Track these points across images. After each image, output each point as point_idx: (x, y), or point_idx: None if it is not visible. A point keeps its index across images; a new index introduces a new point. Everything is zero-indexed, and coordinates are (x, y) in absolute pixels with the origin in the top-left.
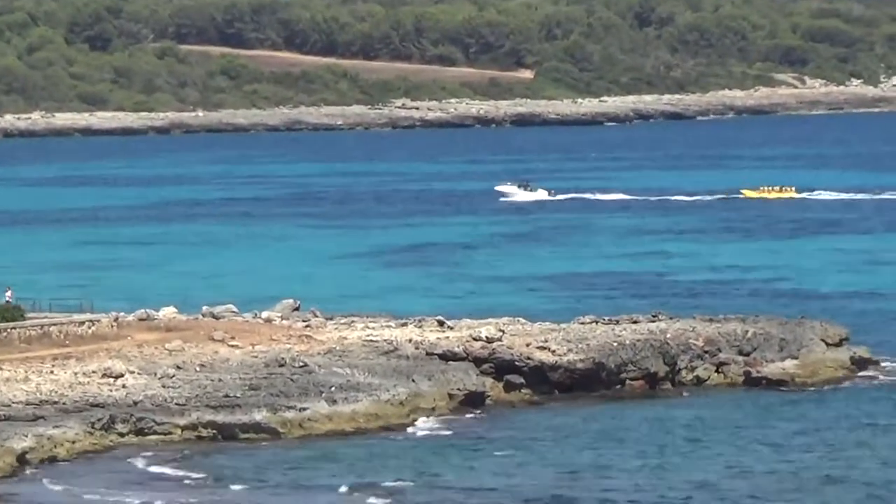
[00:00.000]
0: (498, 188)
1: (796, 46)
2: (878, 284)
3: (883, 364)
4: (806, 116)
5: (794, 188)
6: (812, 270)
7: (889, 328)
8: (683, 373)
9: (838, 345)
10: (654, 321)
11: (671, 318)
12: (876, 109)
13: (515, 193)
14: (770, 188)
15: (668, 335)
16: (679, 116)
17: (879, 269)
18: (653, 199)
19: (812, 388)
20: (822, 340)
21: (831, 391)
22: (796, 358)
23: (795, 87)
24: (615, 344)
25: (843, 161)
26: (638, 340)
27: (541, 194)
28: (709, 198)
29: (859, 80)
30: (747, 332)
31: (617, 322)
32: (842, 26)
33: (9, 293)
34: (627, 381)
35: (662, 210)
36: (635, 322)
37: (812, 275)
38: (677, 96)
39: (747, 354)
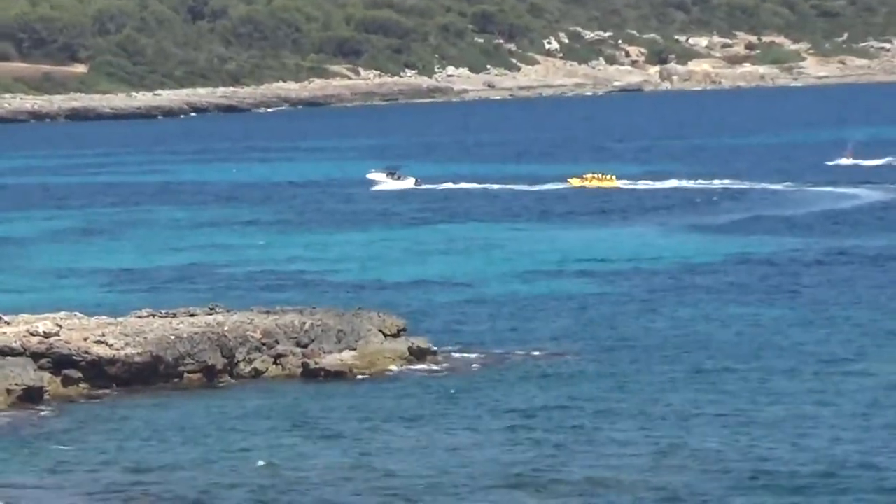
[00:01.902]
0: (369, 176)
1: (350, 38)
2: (435, 274)
3: (441, 354)
4: (361, 108)
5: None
6: (372, 260)
7: (446, 318)
8: (242, 365)
9: (396, 335)
10: (211, 314)
11: (228, 311)
12: (430, 100)
13: (384, 182)
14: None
15: (226, 328)
16: (234, 109)
17: (437, 259)
18: None
19: (369, 380)
20: (380, 331)
21: (387, 381)
22: (354, 349)
23: (350, 79)
24: (172, 337)
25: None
26: (195, 333)
27: (409, 182)
28: None
29: (414, 71)
30: (305, 323)
31: (174, 315)
32: (395, 17)
33: None
34: (186, 375)
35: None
36: (192, 315)
37: (372, 265)
38: (231, 89)
39: (305, 346)
